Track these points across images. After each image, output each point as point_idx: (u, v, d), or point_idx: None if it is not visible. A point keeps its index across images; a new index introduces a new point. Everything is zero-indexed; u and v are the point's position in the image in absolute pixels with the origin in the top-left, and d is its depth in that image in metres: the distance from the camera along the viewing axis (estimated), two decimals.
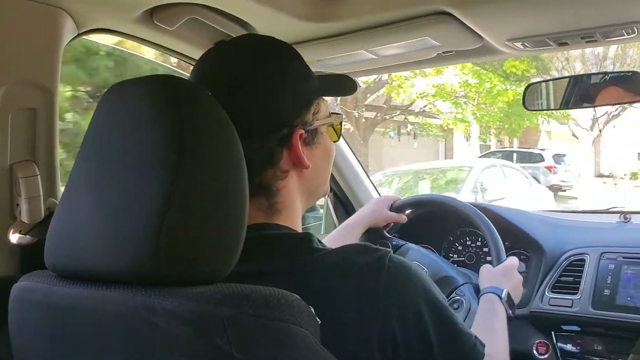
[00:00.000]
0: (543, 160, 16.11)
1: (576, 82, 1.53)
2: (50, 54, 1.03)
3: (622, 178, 20.00)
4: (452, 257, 1.76)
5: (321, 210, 2.13)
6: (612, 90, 1.47)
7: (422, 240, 1.56)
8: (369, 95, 12.05)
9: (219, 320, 0.56)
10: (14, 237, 0.97)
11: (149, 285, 0.59)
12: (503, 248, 1.33)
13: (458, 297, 1.27)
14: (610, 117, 18.88)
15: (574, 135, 19.39)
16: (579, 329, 1.48)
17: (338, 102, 10.03)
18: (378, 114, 13.00)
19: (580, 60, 15.58)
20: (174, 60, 1.52)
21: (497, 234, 1.35)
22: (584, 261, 1.52)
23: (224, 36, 1.22)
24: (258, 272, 0.71)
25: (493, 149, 19.56)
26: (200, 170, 0.62)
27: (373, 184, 2.01)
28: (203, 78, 0.82)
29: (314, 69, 0.87)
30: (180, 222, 0.59)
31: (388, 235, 1.51)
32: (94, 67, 3.36)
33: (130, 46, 1.63)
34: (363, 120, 12.64)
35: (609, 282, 1.45)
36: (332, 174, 1.86)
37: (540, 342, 1.53)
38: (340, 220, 1.48)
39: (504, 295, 1.16)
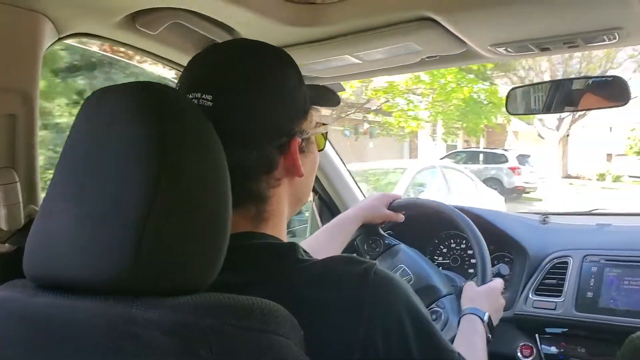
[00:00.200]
0: (507, 161, 15.83)
1: (558, 86, 1.55)
2: (30, 59, 1.02)
3: (589, 179, 20.12)
4: (437, 260, 1.77)
5: (306, 214, 2.12)
6: (594, 95, 1.49)
7: (410, 241, 1.56)
8: None
9: (201, 331, 0.56)
10: None
11: (130, 296, 0.58)
12: (490, 270, 1.33)
13: (437, 309, 1.28)
14: (577, 117, 18.57)
15: (540, 135, 18.98)
16: (562, 331, 1.50)
17: None
18: (333, 112, 12.39)
19: (546, 59, 15.45)
20: None
21: (488, 253, 1.34)
22: (567, 264, 1.53)
23: (208, 41, 1.21)
24: (242, 282, 0.71)
25: (460, 149, 19.29)
26: (182, 179, 0.61)
27: (359, 188, 2.02)
28: (196, 84, 0.79)
29: None
30: (160, 231, 0.58)
31: (382, 232, 1.51)
32: None
33: None
34: None
35: (592, 284, 1.47)
36: (318, 178, 1.88)
37: (524, 345, 1.54)
38: (325, 224, 1.47)
39: (485, 318, 1.17)
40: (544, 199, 15.00)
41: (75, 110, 0.69)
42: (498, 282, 1.31)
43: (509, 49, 1.21)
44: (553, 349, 1.51)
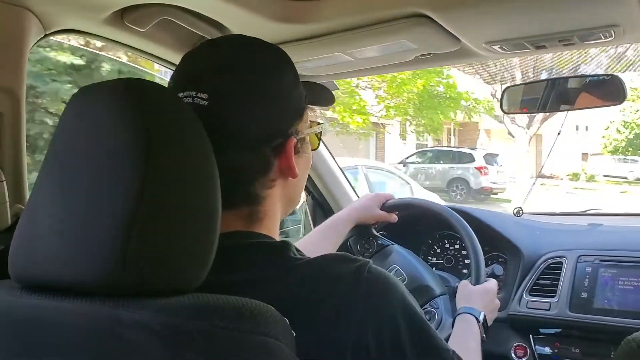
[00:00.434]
0: (473, 160, 15.21)
1: (554, 85, 1.54)
2: (15, 56, 1.01)
3: (562, 179, 20.05)
4: (431, 260, 1.76)
5: (300, 214, 2.11)
6: (590, 94, 1.48)
7: (404, 241, 1.55)
8: None
9: (189, 333, 0.55)
10: None
11: (117, 297, 0.57)
12: (484, 270, 1.33)
13: (431, 309, 1.28)
14: (548, 115, 18.02)
15: (510, 134, 18.34)
16: (556, 332, 1.49)
17: None
18: None
19: None
20: None
21: (481, 253, 1.34)
22: (562, 264, 1.53)
23: (199, 38, 1.20)
24: (235, 281, 0.70)
25: (429, 148, 18.84)
26: (169, 178, 0.60)
27: (353, 188, 2.01)
28: (190, 81, 0.77)
29: None
30: (147, 232, 0.57)
31: (375, 233, 1.51)
32: None
33: None
34: None
35: (586, 285, 1.46)
36: (312, 178, 1.87)
37: (518, 345, 1.53)
38: (319, 224, 1.46)
39: (481, 318, 1.17)
40: (513, 200, 14.20)
41: None
42: (493, 283, 1.31)
43: (504, 47, 1.20)
44: (547, 350, 1.50)
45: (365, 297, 0.70)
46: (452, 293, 1.32)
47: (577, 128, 24.45)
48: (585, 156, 23.89)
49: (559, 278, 1.51)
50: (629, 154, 22.77)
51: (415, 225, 1.67)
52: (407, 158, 16.34)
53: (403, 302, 0.74)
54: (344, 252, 1.41)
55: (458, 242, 1.73)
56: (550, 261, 1.55)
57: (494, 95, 16.72)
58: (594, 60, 16.14)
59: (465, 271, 1.69)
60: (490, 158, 15.68)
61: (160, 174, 0.59)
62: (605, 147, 23.96)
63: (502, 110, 1.59)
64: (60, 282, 0.60)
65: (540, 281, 1.54)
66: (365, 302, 0.70)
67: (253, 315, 0.57)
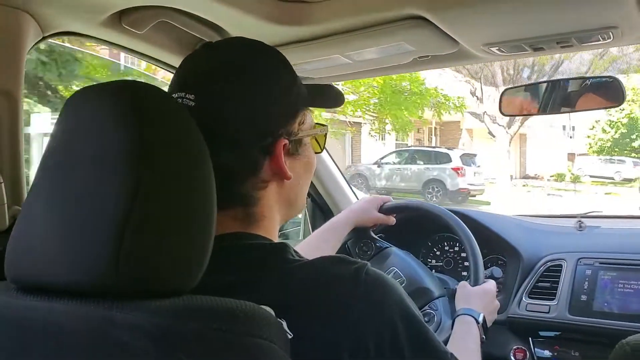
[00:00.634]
0: (450, 160, 14.48)
1: (554, 87, 1.54)
2: (13, 58, 1.01)
3: (548, 180, 19.60)
4: (430, 262, 1.76)
5: (299, 216, 2.11)
6: (590, 96, 1.48)
7: (402, 243, 1.55)
8: None
9: (183, 335, 0.55)
10: None
11: (111, 298, 0.57)
12: (483, 270, 1.33)
13: (430, 311, 1.28)
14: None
15: (490, 133, 17.41)
16: (556, 335, 1.49)
17: None
18: None
19: None
20: None
21: (480, 253, 1.34)
22: (561, 267, 1.52)
23: (197, 40, 1.20)
24: (231, 282, 0.70)
25: (409, 147, 17.97)
26: (163, 179, 0.60)
27: (354, 192, 2.00)
28: (181, 83, 0.78)
29: None
30: (141, 233, 0.57)
31: (374, 236, 1.50)
32: None
33: None
34: None
35: (585, 287, 1.45)
36: (312, 182, 1.86)
37: (517, 348, 1.53)
38: (318, 227, 1.46)
39: (480, 319, 1.17)
40: (492, 202, 14.10)
41: None
42: (492, 284, 1.30)
43: (502, 49, 1.20)
44: (546, 353, 1.50)
45: (363, 299, 0.70)
46: (451, 295, 1.32)
47: (564, 128, 24.09)
48: (571, 156, 23.49)
49: (558, 281, 1.51)
50: (615, 154, 22.33)
51: (414, 227, 1.67)
52: (381, 159, 15.75)
53: (401, 304, 0.74)
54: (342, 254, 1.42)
55: (457, 244, 1.73)
56: (549, 264, 1.55)
57: (473, 94, 16.28)
58: (577, 56, 15.79)
59: (464, 274, 1.69)
60: (468, 158, 15.05)
61: (155, 175, 0.59)
62: (591, 147, 23.48)
63: (501, 112, 1.59)
64: (56, 284, 0.60)
65: (540, 284, 1.53)
66: (363, 304, 0.70)
67: (247, 318, 0.57)
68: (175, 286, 0.60)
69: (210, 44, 0.84)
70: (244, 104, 0.75)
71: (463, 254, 1.71)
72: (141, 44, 1.24)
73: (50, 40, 1.13)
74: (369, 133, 15.48)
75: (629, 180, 18.52)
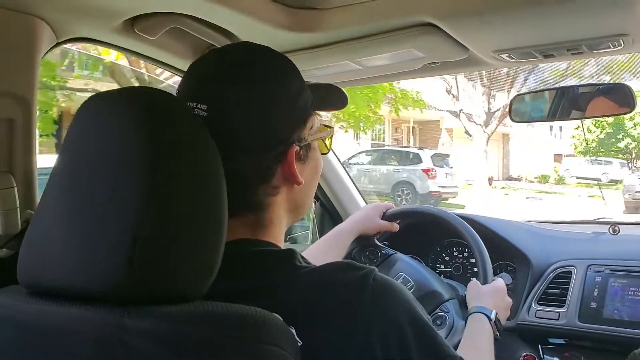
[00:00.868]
0: (421, 161, 13.61)
1: (564, 93, 1.53)
2: (27, 64, 1.02)
3: (531, 181, 19.13)
4: (439, 268, 1.75)
5: (308, 220, 2.11)
6: (600, 102, 1.47)
7: (410, 250, 1.55)
8: None
9: (193, 341, 0.55)
10: None
11: (123, 304, 0.58)
12: (491, 268, 1.32)
13: (442, 314, 1.27)
14: (507, 110, 16.71)
15: (467, 132, 16.51)
16: (565, 342, 1.48)
17: None
18: None
19: None
20: None
21: (486, 252, 1.33)
22: (571, 273, 1.51)
23: (207, 46, 1.21)
24: (240, 289, 0.70)
25: (386, 147, 17.04)
26: (175, 186, 0.61)
27: (361, 194, 2.00)
28: (192, 93, 0.77)
29: None
30: (154, 239, 0.58)
31: (379, 243, 1.50)
32: None
33: None
34: None
35: (595, 294, 1.45)
36: (319, 184, 1.86)
37: (526, 355, 1.52)
38: (327, 231, 1.46)
39: (493, 316, 1.16)
40: (467, 206, 13.25)
41: None
42: (501, 282, 1.29)
43: (512, 56, 1.20)
44: None
45: (370, 304, 0.70)
46: (462, 301, 1.31)
47: (551, 128, 23.66)
48: (558, 157, 23.13)
49: (568, 287, 1.49)
50: (601, 155, 21.85)
51: (420, 233, 1.67)
52: (349, 159, 14.60)
53: (409, 309, 0.74)
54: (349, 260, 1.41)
55: (466, 250, 1.72)
56: (559, 270, 1.54)
57: (449, 91, 15.65)
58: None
59: (474, 279, 1.68)
60: (440, 159, 14.22)
61: (167, 182, 0.60)
62: (576, 147, 22.89)
63: (511, 118, 1.59)
64: (68, 289, 0.60)
65: (550, 290, 1.53)
66: (371, 310, 0.70)
67: (257, 324, 0.58)
68: (187, 292, 0.60)
69: (218, 49, 0.84)
70: (255, 112, 0.76)
71: (472, 260, 1.70)
72: (153, 49, 1.25)
73: (63, 45, 1.15)
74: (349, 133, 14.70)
75: (616, 182, 17.85)
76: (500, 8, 0.99)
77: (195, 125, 0.67)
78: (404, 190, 13.76)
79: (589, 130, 21.70)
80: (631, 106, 1.41)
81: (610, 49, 1.12)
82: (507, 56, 1.20)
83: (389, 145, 18.12)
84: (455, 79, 15.37)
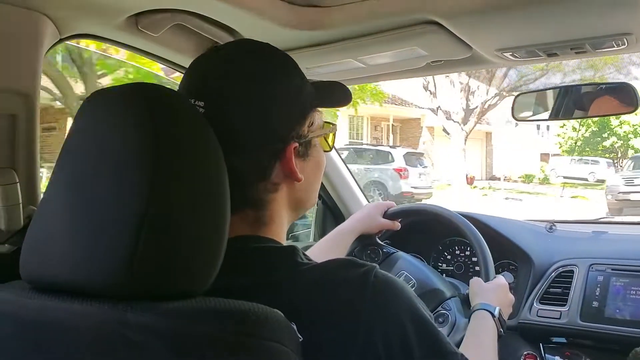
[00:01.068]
0: (392, 160, 12.91)
1: (567, 92, 1.53)
2: (30, 60, 1.01)
3: (515, 181, 18.60)
4: (441, 267, 1.75)
5: (310, 218, 2.11)
6: (604, 101, 1.47)
7: (412, 248, 1.55)
8: None
9: (196, 337, 0.55)
10: None
11: (125, 300, 0.58)
12: (493, 266, 1.32)
13: (444, 311, 1.27)
14: (486, 107, 15.43)
15: (445, 130, 16.04)
16: (567, 340, 1.48)
17: None
18: None
19: None
20: None
21: (488, 249, 1.34)
22: (573, 272, 1.51)
23: (211, 43, 1.21)
24: (240, 286, 0.70)
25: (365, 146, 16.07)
26: (177, 184, 0.61)
27: (363, 193, 2.00)
28: (191, 90, 0.78)
29: None
30: (156, 234, 0.58)
31: (380, 242, 1.50)
32: None
33: None
34: None
35: (597, 294, 1.44)
36: (322, 183, 1.86)
37: (528, 354, 1.52)
38: (329, 230, 1.46)
39: (496, 312, 1.15)
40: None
41: None
42: (503, 279, 1.29)
43: (515, 54, 1.20)
44: (557, 359, 1.49)
45: (372, 301, 0.70)
46: (464, 300, 1.31)
47: (538, 127, 23.21)
48: (545, 157, 22.81)
49: (570, 287, 1.49)
50: (586, 154, 21.50)
51: (422, 231, 1.67)
52: None
53: (410, 306, 0.74)
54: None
55: (468, 248, 1.72)
56: (561, 269, 1.54)
57: (426, 88, 15.25)
58: None
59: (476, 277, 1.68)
60: (414, 158, 13.44)
61: (169, 178, 0.60)
62: (561, 146, 22.52)
63: (514, 117, 1.58)
64: (70, 284, 0.61)
65: (551, 289, 1.52)
66: (373, 307, 0.70)
67: (259, 320, 0.58)
68: (188, 288, 0.61)
69: (219, 47, 0.84)
70: (253, 109, 0.76)
71: (474, 259, 1.70)
72: (156, 46, 1.25)
73: (67, 42, 1.15)
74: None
75: (602, 182, 17.25)
76: (504, 7, 0.99)
77: (197, 121, 0.67)
78: (375, 190, 13.05)
79: (574, 129, 21.30)
80: (635, 105, 1.41)
81: (614, 48, 1.12)
82: (510, 55, 1.19)
83: (366, 144, 17.45)
84: (433, 75, 14.98)
